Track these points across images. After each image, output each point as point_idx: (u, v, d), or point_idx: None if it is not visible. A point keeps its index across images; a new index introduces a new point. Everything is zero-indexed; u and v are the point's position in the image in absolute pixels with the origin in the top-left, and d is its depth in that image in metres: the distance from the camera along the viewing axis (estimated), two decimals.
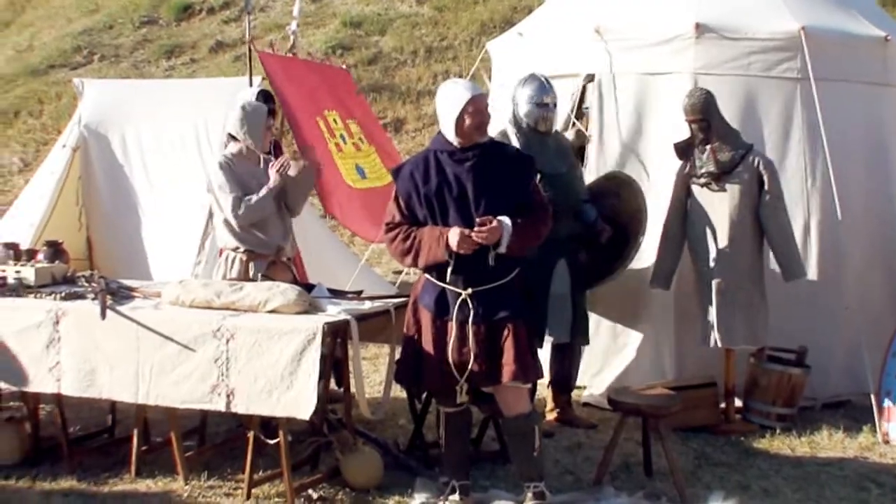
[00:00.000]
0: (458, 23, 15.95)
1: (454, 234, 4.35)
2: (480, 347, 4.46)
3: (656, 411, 5.05)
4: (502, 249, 4.41)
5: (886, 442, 5.78)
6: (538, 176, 5.05)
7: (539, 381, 5.21)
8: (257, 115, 5.61)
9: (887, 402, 5.89)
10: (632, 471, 5.32)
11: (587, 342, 6.17)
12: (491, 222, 4.35)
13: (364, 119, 7.61)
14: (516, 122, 5.97)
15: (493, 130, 5.01)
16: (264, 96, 6.30)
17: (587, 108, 6.79)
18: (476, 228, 4.33)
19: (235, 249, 5.55)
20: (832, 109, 6.18)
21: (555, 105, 5.99)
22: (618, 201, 6.24)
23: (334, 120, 7.27)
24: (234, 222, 5.44)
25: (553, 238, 5.05)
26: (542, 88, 5.90)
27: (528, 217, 4.54)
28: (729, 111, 6.04)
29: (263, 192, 5.43)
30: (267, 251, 5.60)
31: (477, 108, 4.48)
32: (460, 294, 4.48)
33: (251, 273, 5.50)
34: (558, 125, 6.29)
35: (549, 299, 5.76)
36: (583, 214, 6.05)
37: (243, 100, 5.84)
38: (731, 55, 6.30)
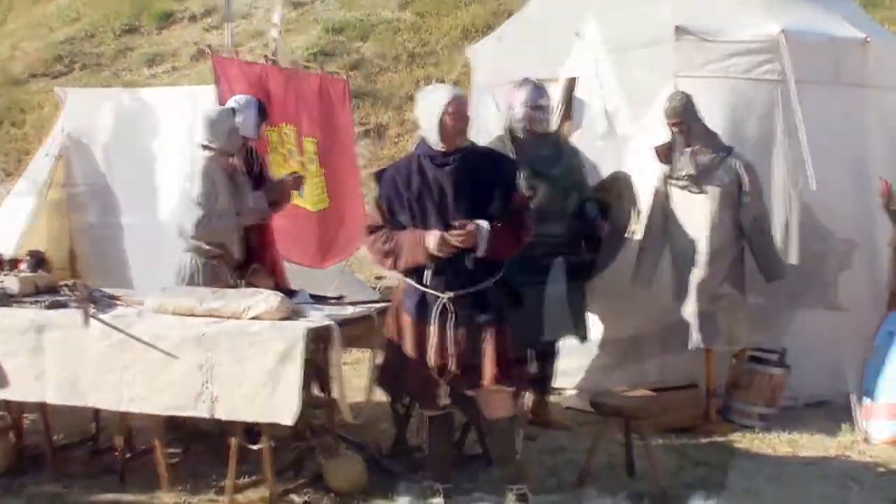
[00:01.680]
0: (439, 28, 16.00)
1: (432, 238, 4.43)
2: (460, 351, 4.54)
3: (638, 413, 5.13)
4: (480, 253, 4.48)
5: (866, 441, 5.87)
6: (527, 176, 5.15)
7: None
8: (222, 120, 5.72)
9: (867, 401, 5.98)
10: (614, 472, 5.38)
11: (586, 338, 6.25)
12: (467, 226, 4.42)
13: (328, 139, 7.47)
14: (512, 126, 6.06)
15: (479, 138, 5.10)
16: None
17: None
18: (454, 232, 4.40)
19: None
20: (812, 111, 6.26)
21: (549, 107, 6.10)
22: (618, 201, 6.30)
23: (285, 133, 7.25)
24: (192, 232, 5.53)
25: (550, 237, 5.15)
26: (537, 92, 6.01)
27: (508, 222, 4.61)
28: (709, 114, 6.12)
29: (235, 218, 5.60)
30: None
31: (458, 110, 4.55)
32: (440, 297, 4.55)
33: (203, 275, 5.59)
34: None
35: (544, 299, 5.84)
36: (584, 212, 6.13)
37: (207, 108, 5.96)
38: (711, 58, 6.39)
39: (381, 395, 5.52)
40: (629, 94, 6.57)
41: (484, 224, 4.47)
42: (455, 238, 4.40)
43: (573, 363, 6.57)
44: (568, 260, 6.00)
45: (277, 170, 7.02)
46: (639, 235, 6.22)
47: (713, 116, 6.18)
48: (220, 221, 5.54)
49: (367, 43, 16.07)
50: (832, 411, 6.39)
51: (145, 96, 8.19)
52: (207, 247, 5.58)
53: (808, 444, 5.90)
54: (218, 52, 7.54)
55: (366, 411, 5.43)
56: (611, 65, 6.58)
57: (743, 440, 5.96)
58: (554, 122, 6.51)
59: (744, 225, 6.00)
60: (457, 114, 4.54)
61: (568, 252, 6.02)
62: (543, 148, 6.03)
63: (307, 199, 7.25)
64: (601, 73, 6.63)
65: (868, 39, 6.63)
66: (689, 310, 6.00)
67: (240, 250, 5.76)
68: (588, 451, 5.22)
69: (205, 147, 5.69)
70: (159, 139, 7.52)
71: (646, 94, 6.42)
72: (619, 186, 6.35)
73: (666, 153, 6.06)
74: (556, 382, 6.50)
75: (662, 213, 6.17)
